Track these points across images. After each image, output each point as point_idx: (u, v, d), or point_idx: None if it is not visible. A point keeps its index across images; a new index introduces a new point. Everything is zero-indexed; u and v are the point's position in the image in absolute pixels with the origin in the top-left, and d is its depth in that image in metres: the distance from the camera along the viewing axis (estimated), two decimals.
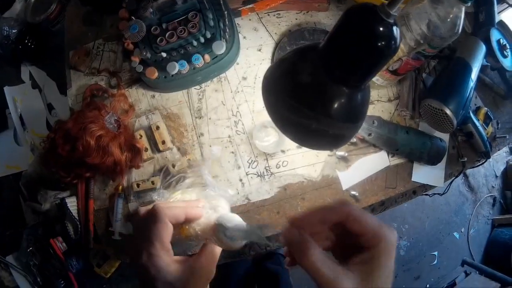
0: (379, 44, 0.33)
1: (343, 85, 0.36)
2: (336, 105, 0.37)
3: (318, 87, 0.37)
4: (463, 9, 0.48)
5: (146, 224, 0.32)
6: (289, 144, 0.56)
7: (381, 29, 0.32)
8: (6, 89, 0.69)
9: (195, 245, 0.38)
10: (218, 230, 0.33)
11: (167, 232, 0.31)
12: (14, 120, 0.68)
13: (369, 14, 0.33)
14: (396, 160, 0.60)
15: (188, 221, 0.35)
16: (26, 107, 0.69)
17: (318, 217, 0.29)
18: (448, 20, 0.50)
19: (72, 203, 0.61)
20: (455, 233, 1.38)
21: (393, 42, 0.34)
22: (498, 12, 0.71)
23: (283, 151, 0.56)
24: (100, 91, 0.60)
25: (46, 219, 0.66)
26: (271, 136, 0.55)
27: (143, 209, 0.35)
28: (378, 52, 0.34)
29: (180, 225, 0.35)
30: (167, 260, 0.30)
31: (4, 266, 0.70)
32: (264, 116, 0.56)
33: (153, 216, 0.32)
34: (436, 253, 1.34)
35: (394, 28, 0.33)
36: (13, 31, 0.69)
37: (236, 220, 0.34)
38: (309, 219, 0.30)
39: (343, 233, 0.29)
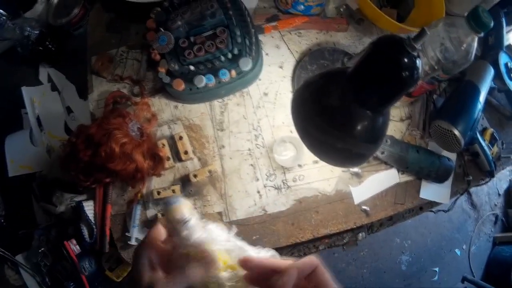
0: (403, 74, 0.37)
1: (368, 109, 0.40)
2: (360, 127, 0.41)
3: (345, 110, 0.41)
4: (476, 38, 0.52)
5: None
6: (306, 159, 0.60)
7: (406, 60, 0.37)
8: (24, 89, 0.71)
9: None
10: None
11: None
12: (31, 121, 0.70)
13: (396, 46, 0.37)
14: (405, 177, 0.65)
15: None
16: (44, 109, 0.71)
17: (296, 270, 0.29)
18: (462, 48, 0.54)
19: (89, 207, 0.63)
20: (456, 250, 1.44)
21: (415, 72, 0.38)
22: (507, 32, 0.75)
23: (300, 166, 0.60)
24: (123, 98, 0.62)
25: (60, 221, 0.68)
26: (289, 151, 0.59)
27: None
28: (402, 81, 0.38)
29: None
30: None
31: (11, 264, 0.72)
32: (283, 131, 0.60)
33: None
34: (437, 269, 1.40)
35: (418, 60, 0.38)
36: (34, 32, 0.72)
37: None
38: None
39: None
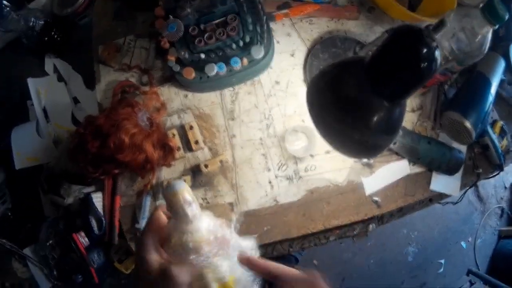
0: (422, 65, 0.36)
1: (385, 100, 0.39)
2: (377, 118, 0.40)
3: (363, 100, 0.40)
4: (491, 30, 0.51)
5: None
6: (318, 149, 0.59)
7: (425, 51, 0.36)
8: (30, 80, 0.70)
9: None
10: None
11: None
12: (37, 113, 0.69)
13: (415, 36, 0.36)
14: (416, 169, 0.64)
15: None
16: (50, 100, 0.69)
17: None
18: (477, 40, 0.53)
19: (97, 198, 0.62)
20: (462, 242, 1.44)
21: (434, 63, 0.37)
22: None
23: (311, 156, 0.59)
24: (131, 88, 0.61)
25: (68, 213, 0.67)
26: (301, 141, 0.58)
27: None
28: (421, 72, 0.37)
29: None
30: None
31: (18, 257, 0.71)
32: (295, 121, 0.59)
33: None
34: (442, 261, 1.40)
35: (437, 51, 0.36)
36: (39, 22, 0.70)
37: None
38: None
39: None
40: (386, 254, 1.34)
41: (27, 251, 0.69)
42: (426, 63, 0.36)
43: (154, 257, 0.29)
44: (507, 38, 0.72)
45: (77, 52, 0.73)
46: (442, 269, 1.38)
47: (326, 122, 0.42)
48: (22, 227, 0.72)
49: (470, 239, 1.44)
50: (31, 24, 0.70)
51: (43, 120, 0.69)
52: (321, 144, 0.56)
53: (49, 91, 0.70)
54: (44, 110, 0.70)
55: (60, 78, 0.71)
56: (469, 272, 1.31)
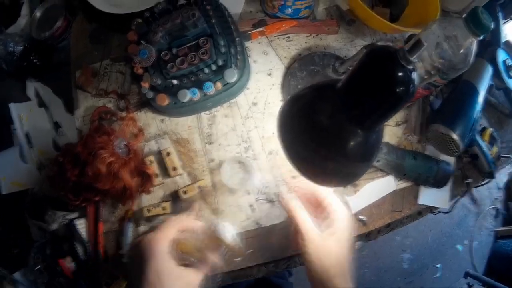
0: (398, 90, 0.34)
1: (360, 127, 0.37)
2: (352, 146, 0.38)
3: (335, 128, 0.38)
4: (475, 41, 0.48)
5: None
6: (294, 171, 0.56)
7: (400, 75, 0.33)
8: (12, 105, 0.68)
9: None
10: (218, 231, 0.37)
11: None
12: (20, 138, 0.68)
13: (389, 59, 0.34)
14: (402, 184, 0.62)
15: (184, 232, 0.40)
16: (32, 125, 0.68)
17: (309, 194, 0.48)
18: (461, 51, 0.50)
19: (81, 225, 0.62)
20: (458, 246, 1.41)
21: (411, 87, 0.34)
22: (504, 23, 0.71)
23: (293, 177, 0.56)
24: (108, 114, 0.60)
25: (54, 238, 0.66)
26: (238, 173, 0.56)
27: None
28: (397, 97, 0.34)
29: (177, 240, 0.38)
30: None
31: (10, 280, 0.71)
32: (274, 143, 0.57)
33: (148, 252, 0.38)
34: (439, 265, 1.37)
35: (413, 74, 0.34)
36: (18, 47, 0.69)
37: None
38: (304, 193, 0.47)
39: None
40: (381, 262, 1.32)
41: (17, 275, 0.69)
42: (402, 87, 0.33)
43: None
44: (494, 43, 0.69)
45: (57, 75, 0.71)
46: (439, 274, 1.36)
47: (297, 151, 0.40)
48: (10, 252, 0.71)
49: (466, 242, 1.42)
50: (10, 49, 0.69)
51: (26, 145, 0.68)
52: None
53: (30, 116, 0.69)
54: (27, 135, 0.69)
55: (41, 103, 0.70)
56: (467, 274, 1.28)
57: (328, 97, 0.38)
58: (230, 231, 0.36)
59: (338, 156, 0.38)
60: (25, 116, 0.70)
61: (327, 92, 0.40)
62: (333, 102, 0.37)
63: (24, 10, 0.72)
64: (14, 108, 0.70)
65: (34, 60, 0.70)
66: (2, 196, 0.70)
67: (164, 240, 0.38)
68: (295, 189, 0.47)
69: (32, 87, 0.72)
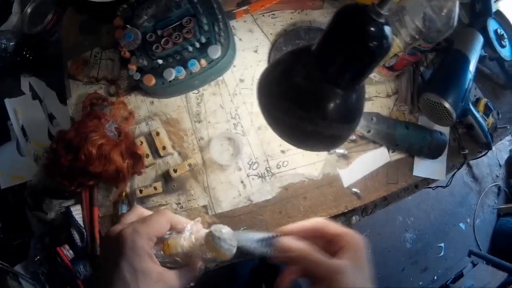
0: (371, 44, 0.33)
1: (337, 86, 0.36)
2: (331, 107, 0.37)
3: (312, 89, 0.37)
4: (457, 1, 0.48)
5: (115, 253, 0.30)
6: (284, 145, 0.56)
7: (371, 29, 0.33)
8: (7, 101, 0.70)
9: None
10: (213, 238, 0.30)
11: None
12: (16, 132, 0.69)
13: (359, 15, 0.33)
14: (396, 155, 0.61)
15: (172, 231, 0.33)
16: (27, 118, 0.70)
17: (306, 229, 0.35)
18: (443, 13, 0.50)
19: (77, 211, 0.62)
20: (461, 224, 1.38)
21: (384, 41, 0.34)
22: (495, 1, 0.70)
23: (283, 152, 0.56)
24: (99, 100, 0.60)
25: (53, 228, 0.67)
26: (227, 148, 0.56)
27: (114, 231, 0.31)
28: (370, 52, 0.34)
29: (163, 241, 0.32)
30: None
31: (12, 275, 0.72)
32: (262, 118, 0.57)
33: (121, 246, 0.29)
34: (442, 244, 1.35)
35: (386, 27, 0.33)
36: (11, 43, 0.70)
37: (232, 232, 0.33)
38: (298, 232, 0.34)
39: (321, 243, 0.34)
40: (384, 242, 1.30)
41: (18, 268, 0.70)
42: (374, 42, 0.33)
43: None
44: (485, 13, 0.68)
45: (51, 69, 0.73)
46: (442, 253, 1.33)
47: (276, 116, 0.40)
48: (11, 245, 0.72)
49: (468, 220, 1.40)
50: (3, 46, 0.70)
51: (22, 139, 0.69)
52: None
53: (25, 110, 0.70)
54: (23, 129, 0.70)
55: (35, 96, 0.71)
56: (471, 253, 1.26)
57: (304, 59, 0.38)
58: (227, 242, 0.30)
59: (317, 117, 0.38)
60: (20, 110, 0.71)
61: (302, 55, 0.39)
62: (309, 63, 0.37)
63: (15, 8, 0.74)
64: (9, 103, 0.72)
65: (27, 55, 0.71)
66: (1, 190, 0.71)
67: (149, 237, 0.30)
68: (286, 229, 0.35)
69: (26, 81, 0.73)
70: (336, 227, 0.34)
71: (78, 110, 0.62)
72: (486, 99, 0.67)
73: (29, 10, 0.72)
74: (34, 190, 0.69)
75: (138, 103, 0.59)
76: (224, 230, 0.31)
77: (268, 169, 0.56)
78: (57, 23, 0.71)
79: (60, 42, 0.69)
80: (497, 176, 1.43)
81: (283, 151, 0.56)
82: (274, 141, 0.56)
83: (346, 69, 0.36)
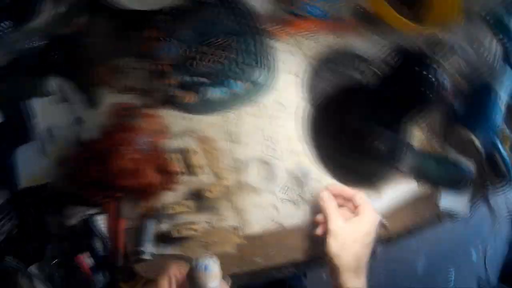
0: (426, 89, 0.33)
1: (389, 128, 0.36)
2: (380, 147, 0.37)
3: (366, 130, 0.37)
4: (495, 41, 0.48)
5: None
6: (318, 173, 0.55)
7: (429, 75, 0.32)
8: (34, 100, 0.68)
9: None
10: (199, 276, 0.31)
11: None
12: (41, 133, 0.67)
13: (417, 61, 0.33)
14: (423, 188, 0.60)
15: None
16: (53, 120, 0.68)
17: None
18: (483, 53, 0.49)
19: (101, 221, 0.61)
20: (472, 251, 1.39)
21: (439, 87, 0.34)
22: None
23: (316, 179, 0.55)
24: (131, 110, 0.59)
25: (73, 233, 0.65)
26: (263, 173, 0.54)
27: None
28: (425, 96, 0.34)
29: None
30: None
31: (25, 275, 0.70)
32: (299, 143, 0.56)
33: None
34: (452, 270, 1.35)
35: (439, 73, 0.33)
36: (39, 43, 0.68)
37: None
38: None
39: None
40: (394, 266, 1.30)
41: (33, 268, 0.68)
42: (430, 88, 0.33)
43: None
44: None
45: (79, 72, 0.70)
46: (451, 279, 1.34)
47: (327, 154, 0.39)
48: (28, 246, 0.70)
49: (480, 248, 1.40)
50: (31, 44, 0.68)
51: (47, 140, 0.67)
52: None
53: (52, 111, 0.68)
54: (48, 131, 0.68)
55: (63, 98, 0.69)
56: (480, 281, 1.26)
57: (359, 100, 0.38)
58: (213, 279, 0.30)
59: (366, 157, 0.38)
60: (46, 111, 0.69)
61: (357, 94, 0.39)
62: (363, 104, 0.37)
63: (46, 6, 0.71)
64: (35, 103, 0.69)
65: (56, 56, 0.69)
66: (21, 190, 0.69)
67: None
68: (328, 187, 0.50)
69: (53, 82, 0.71)
70: (349, 191, 0.49)
71: (108, 119, 0.60)
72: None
73: (60, 10, 0.69)
74: (54, 193, 0.68)
75: (172, 118, 0.57)
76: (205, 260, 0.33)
77: (301, 195, 0.55)
78: (88, 26, 0.68)
79: (90, 45, 0.66)
80: None
81: (318, 179, 0.55)
82: (310, 168, 0.55)
83: (400, 112, 0.35)
